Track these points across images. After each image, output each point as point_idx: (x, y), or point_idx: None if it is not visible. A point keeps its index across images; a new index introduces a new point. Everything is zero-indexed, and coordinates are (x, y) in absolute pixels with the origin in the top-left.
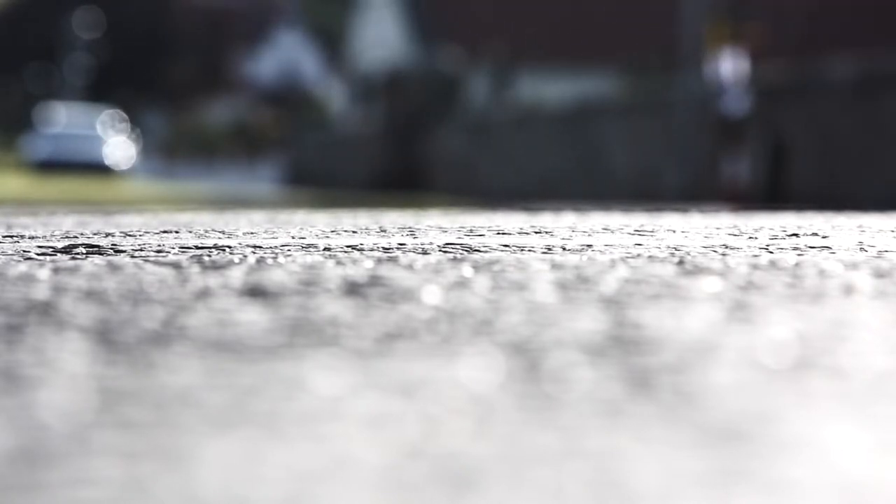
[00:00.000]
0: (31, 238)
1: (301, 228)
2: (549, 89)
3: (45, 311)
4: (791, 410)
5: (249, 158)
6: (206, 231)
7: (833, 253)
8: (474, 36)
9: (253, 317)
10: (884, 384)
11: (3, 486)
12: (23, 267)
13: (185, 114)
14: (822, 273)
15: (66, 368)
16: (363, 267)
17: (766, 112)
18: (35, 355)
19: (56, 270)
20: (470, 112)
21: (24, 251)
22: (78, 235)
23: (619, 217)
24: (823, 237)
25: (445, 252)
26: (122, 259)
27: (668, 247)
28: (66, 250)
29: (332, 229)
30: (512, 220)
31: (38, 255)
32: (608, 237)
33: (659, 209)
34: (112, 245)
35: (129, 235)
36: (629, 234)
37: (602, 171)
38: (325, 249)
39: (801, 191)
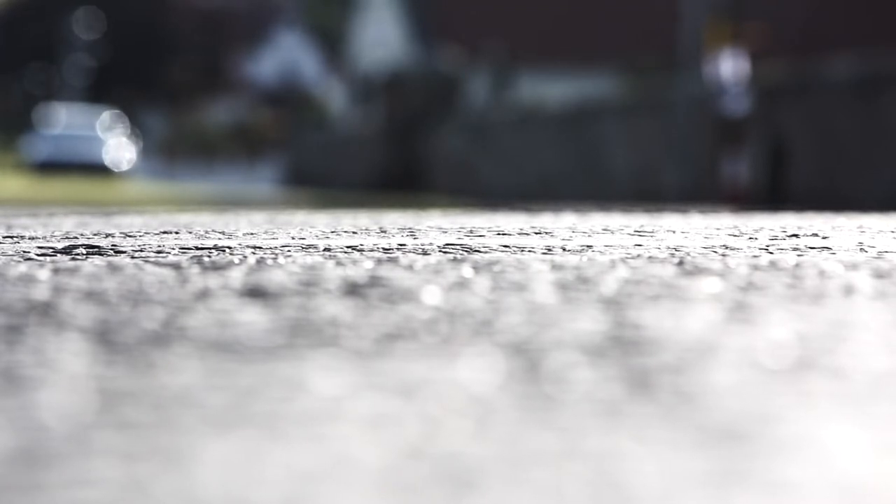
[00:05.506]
0: (31, 239)
1: (301, 229)
2: (549, 89)
3: (46, 312)
4: (791, 411)
5: (249, 159)
6: (206, 232)
7: (833, 254)
8: (474, 36)
9: (253, 317)
10: (884, 384)
11: (3, 486)
12: (23, 267)
13: (185, 114)
14: (822, 274)
15: (66, 369)
16: (363, 267)
17: (766, 112)
18: (35, 356)
19: (56, 271)
20: (470, 112)
21: (24, 252)
22: (78, 236)
23: (619, 217)
24: (823, 238)
25: (445, 253)
26: (122, 260)
27: (669, 247)
28: (66, 251)
29: (332, 230)
30: (512, 221)
31: (38, 255)
32: (608, 238)
33: (659, 209)
34: (112, 246)
35: (129, 236)
36: (629, 234)
37: (602, 171)
38: (325, 250)
39: (801, 191)
